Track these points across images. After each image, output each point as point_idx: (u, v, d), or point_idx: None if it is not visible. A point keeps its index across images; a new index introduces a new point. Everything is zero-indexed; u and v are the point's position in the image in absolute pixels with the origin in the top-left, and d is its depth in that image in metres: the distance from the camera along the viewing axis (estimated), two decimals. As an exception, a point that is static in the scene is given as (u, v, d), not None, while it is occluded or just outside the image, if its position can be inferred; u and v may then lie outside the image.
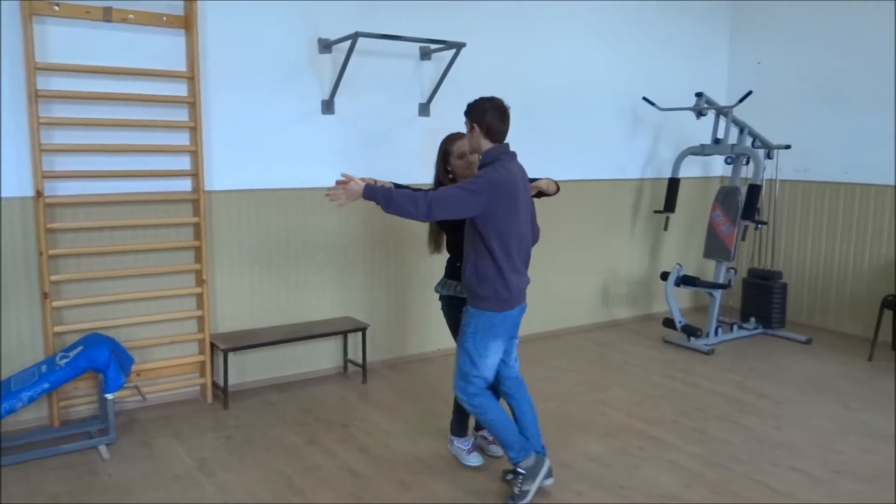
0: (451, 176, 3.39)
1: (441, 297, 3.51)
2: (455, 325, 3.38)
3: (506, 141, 3.10)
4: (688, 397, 4.47)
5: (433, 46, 4.81)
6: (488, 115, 3.01)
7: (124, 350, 3.86)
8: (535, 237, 3.34)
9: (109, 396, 3.67)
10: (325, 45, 4.51)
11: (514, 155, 3.11)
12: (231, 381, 4.42)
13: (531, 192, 3.25)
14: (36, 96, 3.64)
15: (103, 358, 3.63)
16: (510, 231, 3.00)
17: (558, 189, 3.48)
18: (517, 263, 3.09)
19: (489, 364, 3.13)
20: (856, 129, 5.77)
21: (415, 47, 4.83)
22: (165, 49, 4.03)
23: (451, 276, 3.45)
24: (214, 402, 4.30)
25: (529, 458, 3.19)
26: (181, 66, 4.08)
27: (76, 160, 3.85)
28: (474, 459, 3.52)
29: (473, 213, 2.93)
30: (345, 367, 4.90)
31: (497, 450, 3.60)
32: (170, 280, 4.21)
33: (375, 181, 3.13)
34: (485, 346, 3.09)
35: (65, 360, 3.61)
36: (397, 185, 3.28)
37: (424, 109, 4.98)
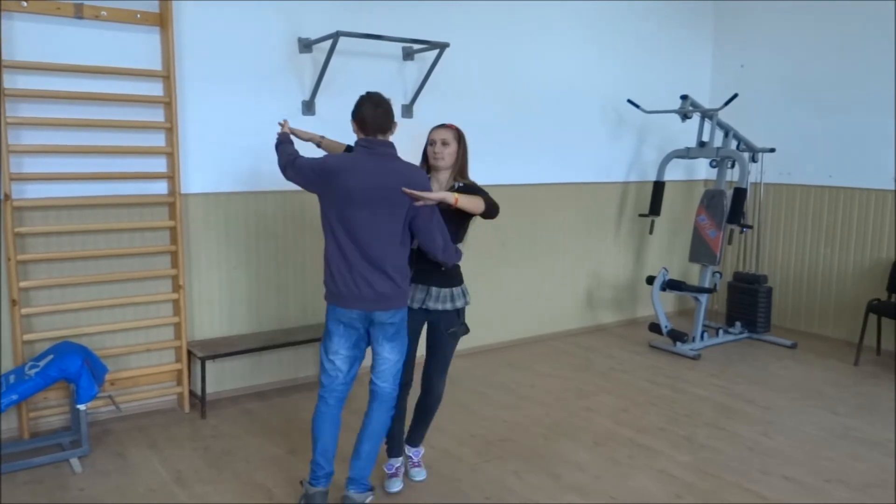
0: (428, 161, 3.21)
1: None
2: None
3: (386, 139, 2.94)
4: (676, 403, 4.42)
5: (416, 47, 4.72)
6: (362, 108, 2.92)
7: (97, 358, 3.72)
8: (431, 248, 2.93)
9: (82, 407, 3.53)
10: (306, 45, 4.41)
11: (376, 150, 2.89)
12: (209, 389, 4.29)
13: (410, 195, 2.80)
14: (3, 95, 3.50)
15: (75, 367, 3.49)
16: (330, 222, 2.89)
17: (486, 210, 2.98)
18: (350, 264, 2.87)
19: (327, 363, 3.05)
20: (840, 132, 5.76)
21: (397, 47, 4.73)
22: (140, 47, 3.90)
23: None
24: (192, 412, 4.17)
25: (317, 487, 3.05)
26: (156, 65, 3.96)
27: (46, 162, 3.71)
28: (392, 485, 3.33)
29: (312, 191, 3.01)
30: (326, 375, 4.78)
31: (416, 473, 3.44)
32: (145, 286, 4.08)
33: (322, 137, 3.39)
34: (327, 337, 3.04)
35: (34, 370, 3.47)
36: (348, 147, 3.27)
37: (407, 111, 4.88)
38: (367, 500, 3.09)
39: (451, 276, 3.15)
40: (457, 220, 3.05)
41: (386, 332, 2.96)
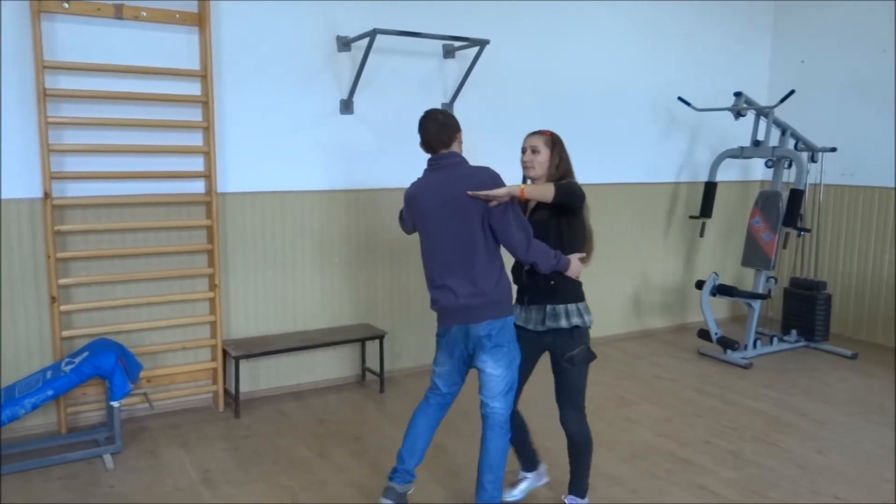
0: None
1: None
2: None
3: (450, 150, 2.85)
4: (723, 415, 4.21)
5: (456, 44, 4.63)
6: (420, 129, 2.88)
7: (132, 356, 3.75)
8: (513, 248, 2.80)
9: (115, 404, 3.56)
10: (344, 43, 4.36)
11: (440, 164, 2.84)
12: (244, 388, 4.29)
13: (476, 198, 2.72)
14: (44, 95, 3.55)
15: (109, 364, 3.52)
16: (424, 245, 2.90)
17: (557, 196, 2.78)
18: (437, 280, 2.84)
19: (435, 376, 3.00)
20: (908, 130, 5.43)
21: (437, 45, 4.65)
22: (178, 47, 3.92)
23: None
24: (226, 411, 4.17)
25: (392, 482, 2.99)
26: (194, 65, 3.97)
27: (85, 161, 3.76)
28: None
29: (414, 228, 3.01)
30: (363, 376, 4.74)
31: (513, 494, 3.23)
32: (181, 284, 4.10)
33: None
34: (436, 353, 3.00)
35: (70, 367, 3.51)
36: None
37: (448, 109, 4.79)
38: None
39: (565, 291, 2.88)
40: (548, 218, 2.88)
41: (483, 346, 2.80)
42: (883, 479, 3.42)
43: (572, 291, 2.91)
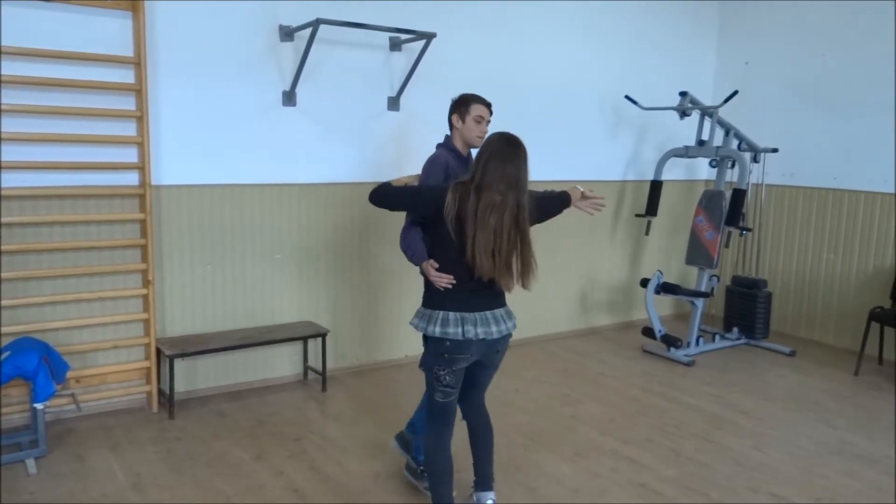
0: None
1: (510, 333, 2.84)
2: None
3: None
4: (665, 413, 4.23)
5: (403, 37, 4.55)
6: None
7: (58, 355, 3.57)
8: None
9: (38, 406, 3.40)
10: (287, 33, 4.24)
11: None
12: (181, 388, 4.14)
13: None
14: (-38, 79, 3.35)
15: (32, 364, 3.34)
16: None
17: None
18: None
19: None
20: (846, 133, 5.55)
21: (384, 37, 4.56)
22: (110, 32, 3.75)
23: (505, 301, 2.84)
24: (160, 412, 4.02)
25: None
26: (127, 52, 3.80)
27: (9, 150, 3.55)
28: None
29: None
30: (305, 375, 4.63)
31: None
32: (113, 280, 3.93)
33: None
34: None
35: (-11, 367, 3.32)
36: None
37: (394, 103, 4.71)
38: None
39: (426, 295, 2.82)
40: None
41: None
42: (817, 476, 3.48)
43: (426, 296, 2.80)
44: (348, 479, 3.30)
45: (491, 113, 3.17)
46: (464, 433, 3.00)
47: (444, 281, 2.66)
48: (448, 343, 2.65)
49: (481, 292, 2.69)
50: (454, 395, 2.75)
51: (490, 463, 3.00)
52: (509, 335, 2.77)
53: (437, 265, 2.70)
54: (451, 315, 2.65)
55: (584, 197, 3.02)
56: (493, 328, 2.68)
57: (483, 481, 3.00)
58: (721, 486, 3.34)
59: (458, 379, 2.72)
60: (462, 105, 3.11)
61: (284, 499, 3.12)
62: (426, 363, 2.77)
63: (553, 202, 2.97)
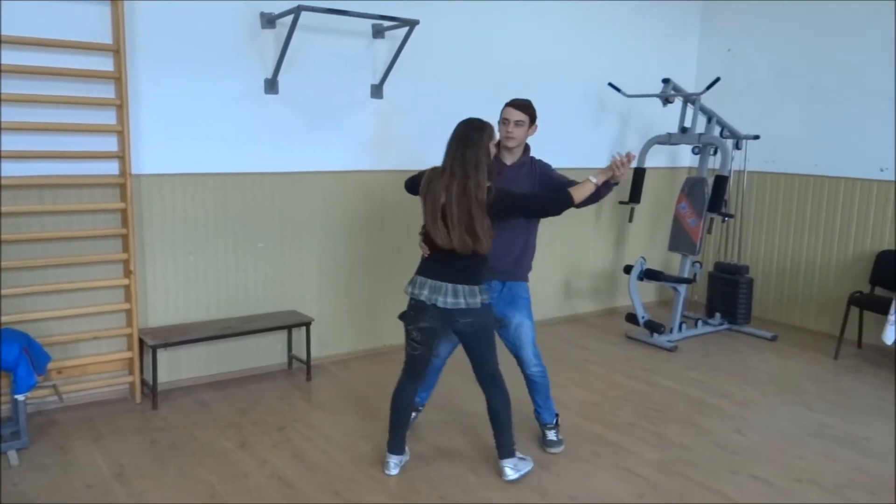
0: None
1: (486, 307, 3.11)
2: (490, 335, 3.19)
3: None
4: (648, 398, 4.27)
5: (386, 24, 4.52)
6: None
7: (39, 346, 3.54)
8: None
9: (20, 397, 3.37)
10: (268, 20, 4.20)
11: None
12: (163, 378, 4.13)
13: None
14: (-63, 67, 3.30)
15: (12, 356, 3.31)
16: None
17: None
18: None
19: None
20: (827, 120, 5.59)
21: (367, 24, 4.53)
22: (89, 19, 3.69)
23: (470, 281, 3.06)
24: (143, 402, 4.00)
25: None
26: (106, 39, 3.75)
27: (-15, 139, 3.52)
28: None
29: None
30: (289, 364, 4.63)
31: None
32: (94, 271, 3.90)
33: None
34: None
35: (-31, 359, 3.29)
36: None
37: (377, 91, 4.69)
38: None
39: None
40: None
41: None
42: (796, 457, 3.53)
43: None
44: (333, 468, 3.31)
45: (527, 112, 3.38)
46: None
47: (423, 250, 3.10)
48: (412, 301, 3.10)
49: (446, 262, 3.02)
50: (420, 352, 3.15)
51: (502, 433, 3.22)
52: (466, 311, 3.01)
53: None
54: (418, 279, 3.10)
55: (611, 172, 3.22)
56: (441, 298, 3.01)
57: (499, 450, 3.24)
58: (703, 469, 3.38)
59: (425, 338, 3.12)
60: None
61: (269, 487, 3.13)
62: (402, 316, 3.19)
63: (544, 205, 3.25)
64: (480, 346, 3.15)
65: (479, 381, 3.24)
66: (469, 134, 2.96)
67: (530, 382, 3.55)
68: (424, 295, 3.03)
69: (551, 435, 3.56)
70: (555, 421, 3.59)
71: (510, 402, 3.23)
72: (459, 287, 3.01)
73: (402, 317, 3.20)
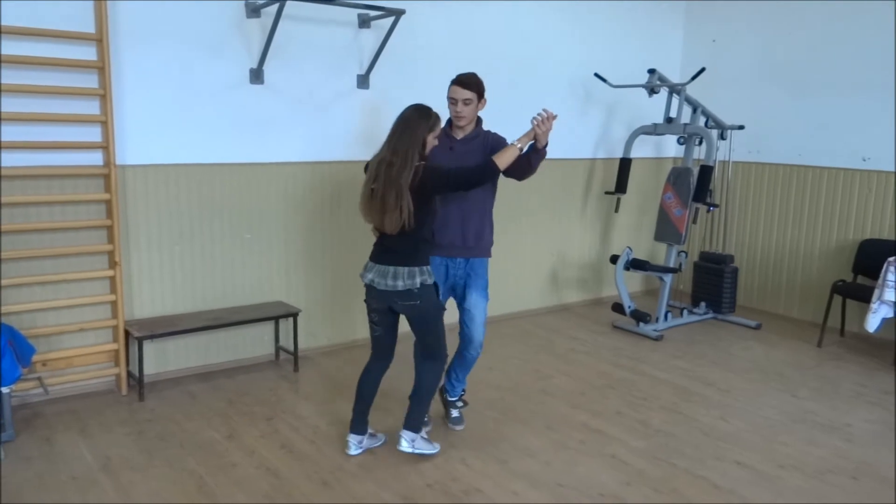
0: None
1: (425, 288, 3.13)
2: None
3: None
4: (634, 386, 4.30)
5: (372, 13, 4.50)
6: None
7: (23, 338, 3.52)
8: None
9: (4, 390, 3.35)
10: (253, 9, 4.17)
11: None
12: (150, 370, 4.11)
13: None
14: (-84, 56, 3.25)
15: (-4, 348, 3.29)
16: None
17: None
18: None
19: None
20: (811, 111, 5.63)
21: (352, 14, 4.51)
22: (70, 7, 3.65)
23: (409, 262, 3.11)
24: (130, 394, 3.99)
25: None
26: (89, 28, 3.71)
27: (-34, 129, 3.48)
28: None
29: None
30: (276, 355, 4.62)
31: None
32: (79, 262, 3.87)
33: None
34: None
35: (-48, 351, 3.27)
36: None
37: (363, 81, 4.67)
38: None
39: None
40: None
41: None
42: (780, 444, 3.57)
43: None
44: (320, 457, 3.32)
45: (474, 89, 3.37)
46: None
47: (375, 234, 3.21)
48: (364, 285, 3.21)
49: (388, 246, 3.13)
50: (377, 333, 3.29)
51: (419, 409, 3.32)
52: (403, 293, 3.08)
53: None
54: (368, 263, 3.21)
55: (534, 133, 3.28)
56: (379, 279, 3.11)
57: (407, 421, 3.33)
58: (688, 456, 3.41)
59: (380, 319, 3.23)
60: None
61: (257, 477, 3.13)
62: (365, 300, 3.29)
63: (469, 176, 3.17)
64: (420, 326, 3.22)
65: (414, 356, 3.37)
66: (410, 119, 3.07)
67: (461, 359, 3.59)
68: (368, 278, 3.15)
69: (456, 412, 3.68)
70: (460, 396, 3.70)
71: (439, 383, 3.39)
72: (400, 269, 3.08)
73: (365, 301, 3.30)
